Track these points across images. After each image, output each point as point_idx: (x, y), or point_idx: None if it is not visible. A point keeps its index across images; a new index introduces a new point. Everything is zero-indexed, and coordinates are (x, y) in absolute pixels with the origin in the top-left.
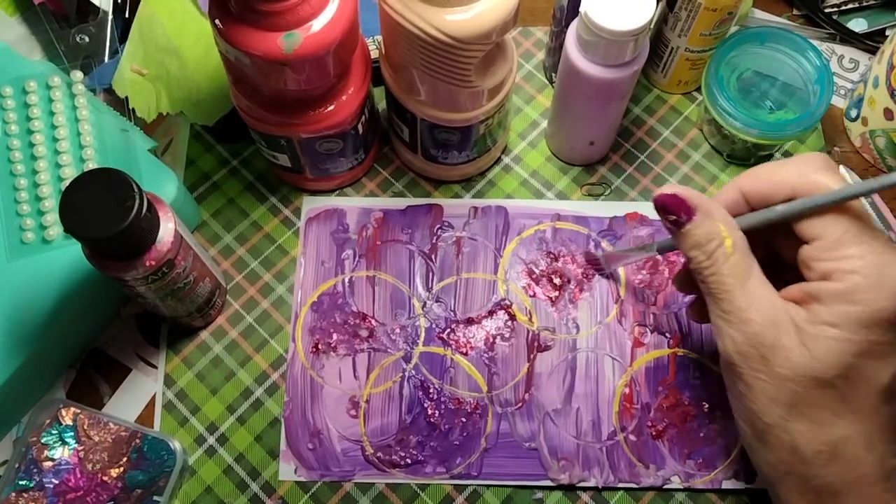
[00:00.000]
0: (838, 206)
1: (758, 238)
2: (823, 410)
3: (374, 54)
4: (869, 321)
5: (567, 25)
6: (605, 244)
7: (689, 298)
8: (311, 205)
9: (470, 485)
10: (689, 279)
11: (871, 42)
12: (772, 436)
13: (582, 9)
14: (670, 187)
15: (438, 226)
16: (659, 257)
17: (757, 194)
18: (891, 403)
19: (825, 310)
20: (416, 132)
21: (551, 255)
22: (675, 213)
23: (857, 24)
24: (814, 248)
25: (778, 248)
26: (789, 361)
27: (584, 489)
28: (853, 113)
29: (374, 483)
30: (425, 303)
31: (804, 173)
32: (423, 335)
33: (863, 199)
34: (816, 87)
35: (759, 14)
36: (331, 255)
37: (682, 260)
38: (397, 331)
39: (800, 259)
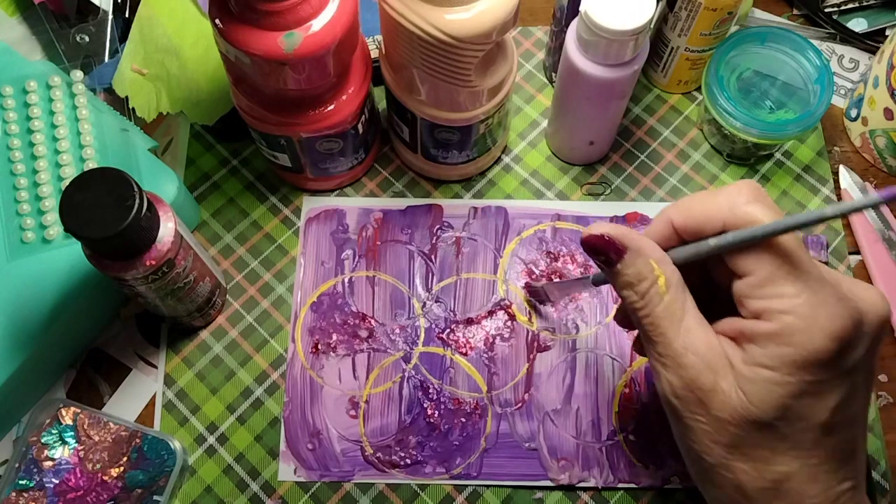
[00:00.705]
0: (769, 240)
1: (691, 267)
2: (764, 450)
3: (374, 54)
4: (804, 362)
5: (567, 25)
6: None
7: (635, 333)
8: (311, 205)
9: (470, 485)
10: (628, 316)
11: (871, 42)
12: (716, 475)
13: (582, 8)
14: (598, 227)
15: (438, 226)
16: (594, 290)
17: (688, 227)
18: (831, 436)
19: (760, 351)
20: (416, 132)
21: (551, 256)
22: (604, 253)
23: (857, 24)
24: (745, 284)
25: (712, 275)
26: (727, 405)
27: (584, 489)
28: (853, 113)
29: (374, 483)
30: (425, 303)
31: (735, 205)
32: (422, 335)
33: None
34: (816, 87)
35: (759, 14)
36: (331, 256)
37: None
38: (397, 331)
39: (734, 293)
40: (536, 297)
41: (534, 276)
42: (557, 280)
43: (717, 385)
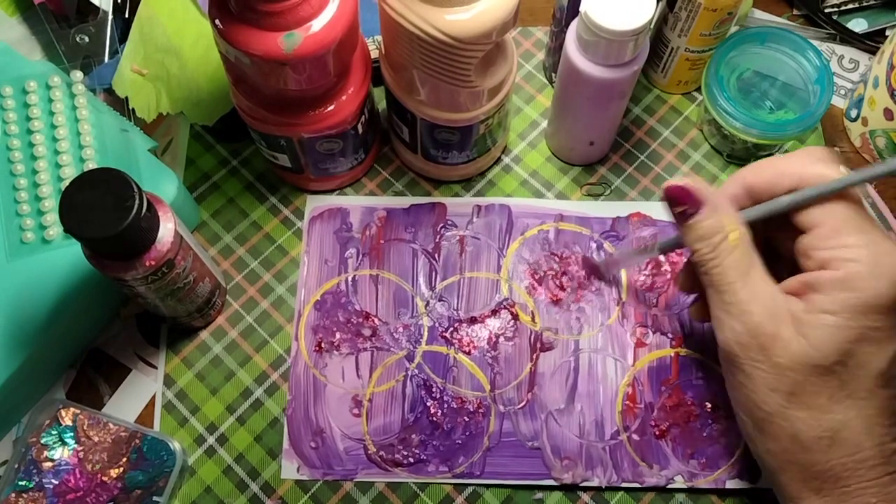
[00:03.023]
0: (839, 194)
1: (756, 233)
2: (822, 397)
3: (374, 54)
4: (866, 308)
5: (567, 25)
6: (606, 245)
7: (690, 299)
8: (314, 203)
9: (471, 484)
10: (692, 279)
11: (871, 42)
12: (772, 425)
13: (582, 9)
14: (680, 179)
15: (442, 225)
16: (661, 258)
17: (760, 187)
18: (888, 388)
19: (823, 298)
20: (416, 132)
21: (554, 256)
22: (682, 204)
23: (857, 24)
24: (812, 236)
25: (775, 242)
26: (788, 351)
27: (585, 489)
28: (853, 113)
29: (373, 483)
30: (428, 302)
31: (806, 165)
32: (426, 334)
33: (863, 200)
34: (816, 87)
35: (759, 14)
36: (334, 254)
37: (685, 260)
38: (400, 330)
39: (798, 249)
40: (595, 272)
41: (537, 277)
42: (618, 253)
43: (778, 331)
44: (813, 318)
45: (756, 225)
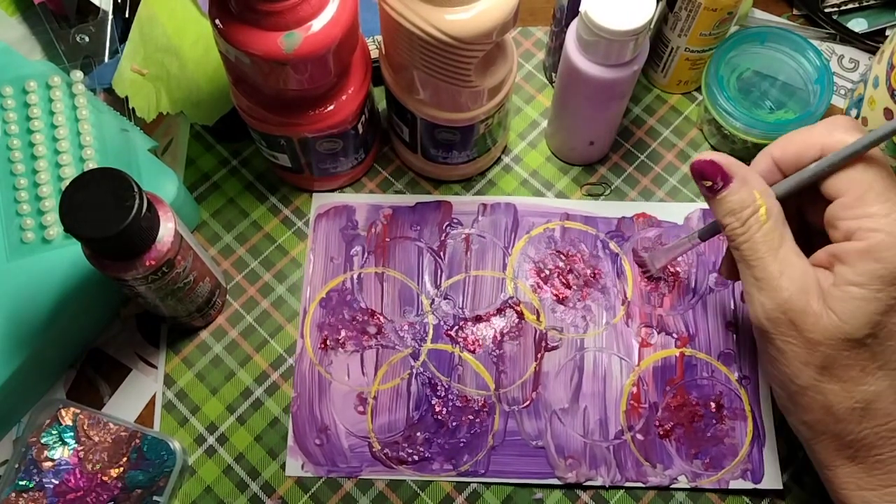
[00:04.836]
0: (864, 160)
1: (790, 207)
2: (854, 370)
3: (374, 54)
4: (893, 278)
5: (567, 25)
6: (612, 245)
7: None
8: (320, 201)
9: (472, 483)
10: (734, 265)
11: (871, 42)
12: (806, 397)
13: (582, 9)
14: (708, 154)
15: (447, 223)
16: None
17: (787, 159)
18: None
19: (850, 270)
20: (416, 132)
21: (560, 255)
22: (711, 178)
23: (857, 24)
24: (837, 206)
25: (808, 216)
26: (819, 325)
27: (585, 489)
28: (853, 113)
29: (374, 483)
30: (434, 300)
31: (830, 132)
32: (431, 332)
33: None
34: (816, 87)
35: (759, 14)
36: (340, 252)
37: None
38: (405, 328)
39: (826, 220)
40: (643, 266)
41: (542, 275)
42: (663, 247)
43: (809, 306)
44: (840, 292)
45: (789, 199)
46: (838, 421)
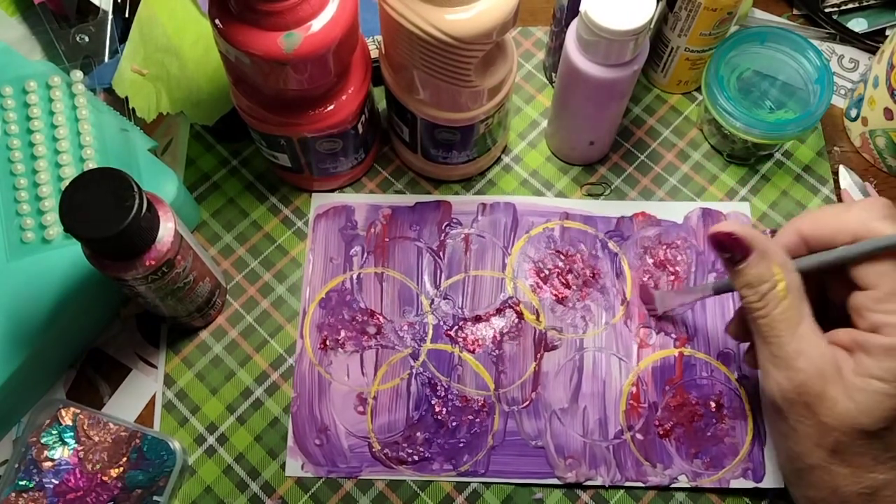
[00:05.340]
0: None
1: (811, 279)
2: (866, 458)
3: (374, 54)
4: None
5: (567, 25)
6: (611, 244)
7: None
8: (319, 201)
9: (472, 483)
10: (744, 327)
11: (871, 42)
12: (813, 475)
13: (582, 9)
14: (728, 225)
15: (447, 223)
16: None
17: (816, 238)
18: None
19: (874, 363)
20: (416, 132)
21: (559, 255)
22: (730, 251)
23: (857, 24)
24: (867, 297)
25: (829, 291)
26: (834, 412)
27: (584, 489)
28: (853, 113)
29: (374, 483)
30: (433, 300)
31: (866, 220)
32: (430, 332)
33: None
34: (816, 87)
35: (759, 14)
36: (339, 252)
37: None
38: (405, 328)
39: (851, 305)
40: (648, 303)
41: (542, 275)
42: (674, 290)
43: (825, 391)
44: (862, 382)
45: (808, 273)
46: (844, 502)
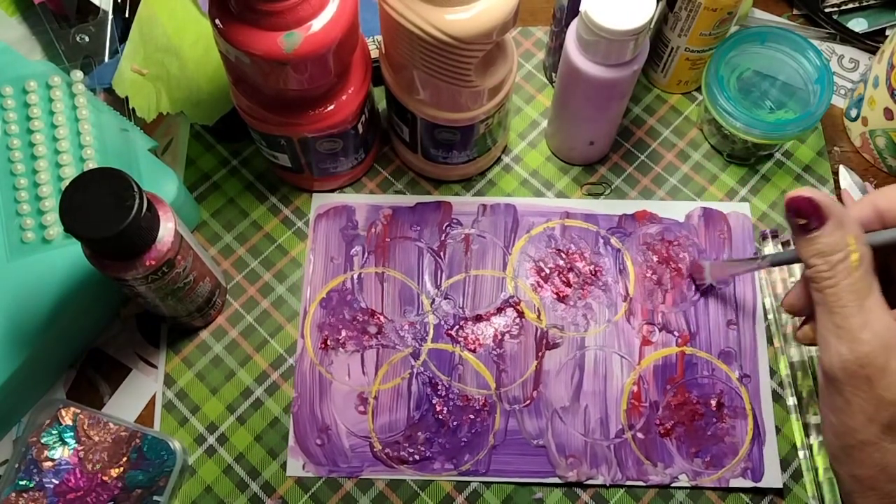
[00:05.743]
0: None
1: (876, 252)
2: None
3: (374, 54)
4: None
5: (567, 25)
6: (613, 241)
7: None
8: (320, 201)
9: (472, 482)
10: (804, 300)
11: (871, 42)
12: (863, 452)
13: (582, 8)
14: (807, 190)
15: (447, 223)
16: (762, 271)
17: (893, 213)
18: None
19: None
20: (416, 132)
21: (560, 253)
22: (806, 217)
23: (857, 24)
24: None
25: (892, 267)
26: (894, 386)
27: (585, 488)
28: (853, 113)
29: (374, 482)
30: (434, 300)
31: None
32: (431, 332)
33: None
34: (816, 87)
35: (759, 14)
36: (340, 252)
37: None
38: (406, 327)
39: None
40: (698, 275)
41: (542, 274)
42: (725, 260)
43: (888, 364)
44: None
45: (876, 248)
46: (891, 481)
